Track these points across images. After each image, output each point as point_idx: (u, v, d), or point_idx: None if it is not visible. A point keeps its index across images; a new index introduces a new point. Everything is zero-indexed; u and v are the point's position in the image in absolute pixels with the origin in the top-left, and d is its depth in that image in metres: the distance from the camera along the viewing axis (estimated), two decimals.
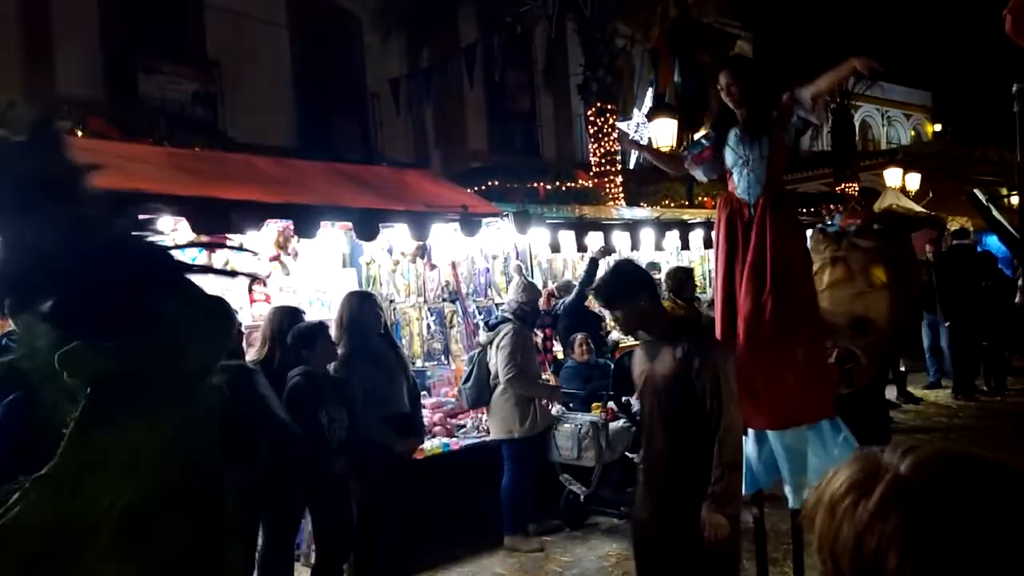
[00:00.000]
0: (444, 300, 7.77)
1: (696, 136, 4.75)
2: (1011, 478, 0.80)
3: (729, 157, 4.29)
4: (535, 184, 11.86)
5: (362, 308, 4.99)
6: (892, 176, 16.46)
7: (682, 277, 7.05)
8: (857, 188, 18.46)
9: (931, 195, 16.11)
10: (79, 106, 7.10)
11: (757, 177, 4.24)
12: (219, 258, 6.27)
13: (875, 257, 6.22)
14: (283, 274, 6.55)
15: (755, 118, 4.23)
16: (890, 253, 6.41)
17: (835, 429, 4.23)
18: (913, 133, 28.20)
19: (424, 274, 7.61)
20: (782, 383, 4.05)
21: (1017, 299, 9.90)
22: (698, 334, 3.48)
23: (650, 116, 13.30)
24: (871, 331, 5.99)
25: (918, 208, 14.34)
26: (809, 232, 6.72)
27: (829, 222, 6.59)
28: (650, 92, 14.29)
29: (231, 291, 6.41)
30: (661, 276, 9.25)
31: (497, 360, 5.84)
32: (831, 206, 7.27)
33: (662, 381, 3.35)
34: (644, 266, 9.23)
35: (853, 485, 0.83)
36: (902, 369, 9.90)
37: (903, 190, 15.95)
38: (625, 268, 3.70)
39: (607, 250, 7.89)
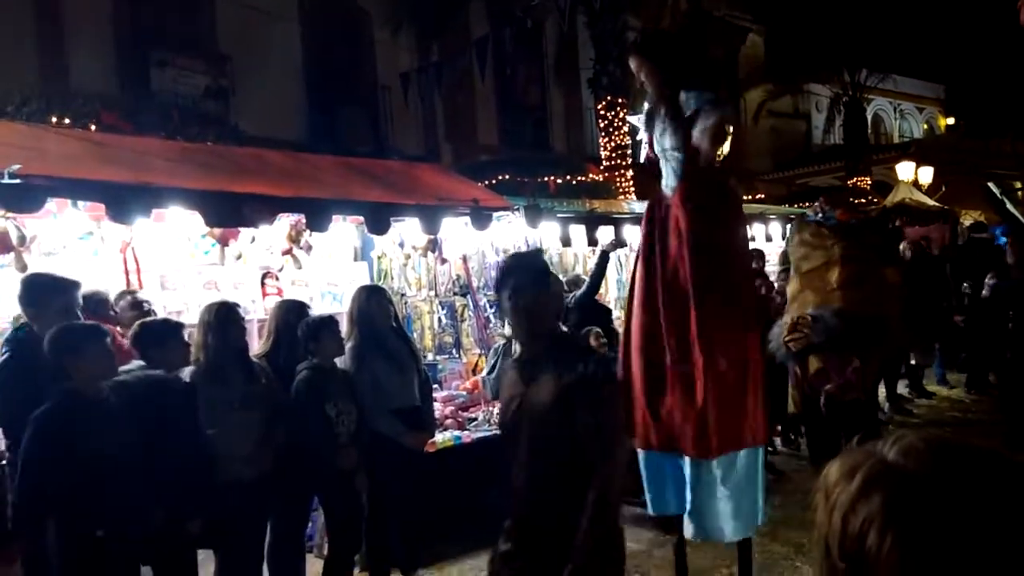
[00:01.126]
0: (455, 294, 7.79)
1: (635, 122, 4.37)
2: (993, 459, 0.81)
3: (656, 148, 4.03)
4: (545, 178, 11.86)
5: (370, 302, 5.00)
6: (905, 170, 16.36)
7: None
8: (869, 182, 18.37)
9: (944, 189, 16.01)
10: (93, 100, 7.14)
11: (674, 169, 3.92)
12: (232, 251, 6.32)
13: (886, 255, 6.12)
14: (295, 268, 6.58)
15: (670, 106, 3.88)
16: (896, 251, 6.37)
17: (751, 460, 3.83)
18: (926, 126, 28.01)
19: (435, 268, 7.62)
20: (705, 403, 3.63)
21: None
22: (590, 360, 2.70)
23: None
24: (888, 333, 5.84)
25: (930, 202, 14.26)
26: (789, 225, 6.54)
27: (820, 214, 6.41)
28: None
29: (245, 285, 6.46)
30: None
31: None
32: (822, 198, 6.86)
33: (538, 414, 2.65)
34: None
35: (843, 473, 0.86)
36: (913, 362, 9.84)
37: (916, 184, 15.85)
38: (542, 259, 3.11)
39: (618, 243, 7.87)
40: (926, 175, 16.68)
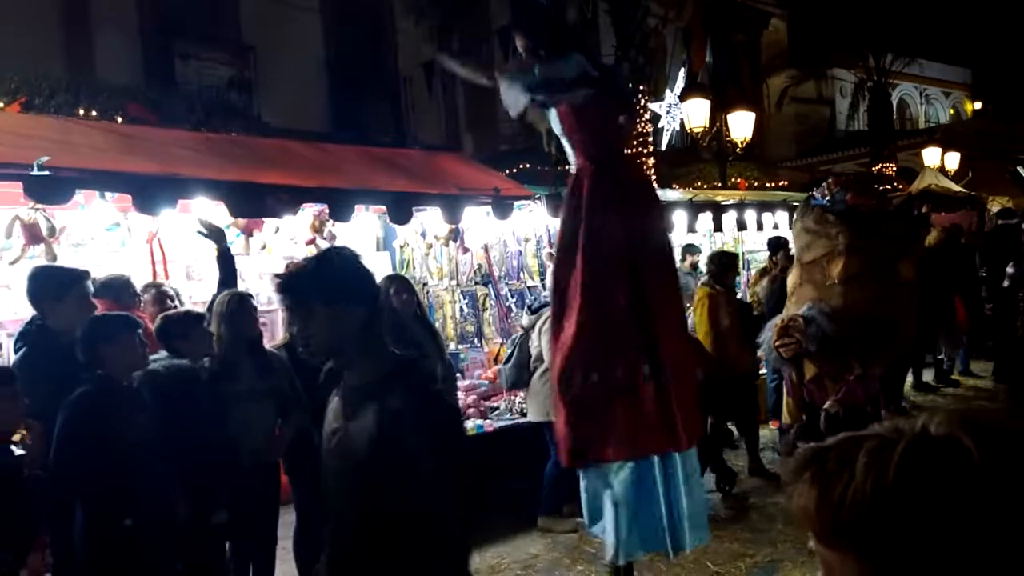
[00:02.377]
0: (477, 283, 7.81)
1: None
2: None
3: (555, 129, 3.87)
4: (566, 167, 11.81)
5: (388, 291, 5.02)
6: (931, 155, 16.16)
7: (726, 262, 6.78)
8: (894, 168, 18.16)
9: (971, 175, 15.80)
10: (118, 92, 7.23)
11: (564, 150, 3.82)
12: (256, 242, 6.37)
13: (905, 249, 5.39)
14: None
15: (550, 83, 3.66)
16: (917, 245, 5.77)
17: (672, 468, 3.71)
18: (952, 111, 27.60)
19: (457, 257, 7.65)
20: (616, 403, 3.57)
21: None
22: (419, 390, 2.15)
23: (683, 96, 13.17)
24: (897, 337, 5.24)
25: (957, 188, 14.08)
26: (797, 207, 5.98)
27: (827, 198, 5.78)
28: (683, 72, 14.13)
29: (269, 275, 6.52)
30: (701, 259, 9.23)
31: (541, 344, 5.85)
32: (831, 179, 6.26)
33: (358, 453, 2.11)
34: (681, 248, 9.24)
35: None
36: (940, 356, 9.75)
37: (942, 170, 15.65)
38: (350, 259, 2.23)
39: None
40: (952, 161, 16.46)
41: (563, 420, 3.67)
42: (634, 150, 13.16)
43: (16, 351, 3.93)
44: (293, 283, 2.16)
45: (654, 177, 13.01)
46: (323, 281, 2.12)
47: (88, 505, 3.44)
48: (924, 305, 7.25)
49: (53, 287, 3.90)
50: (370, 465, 2.06)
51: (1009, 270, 8.23)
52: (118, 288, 4.61)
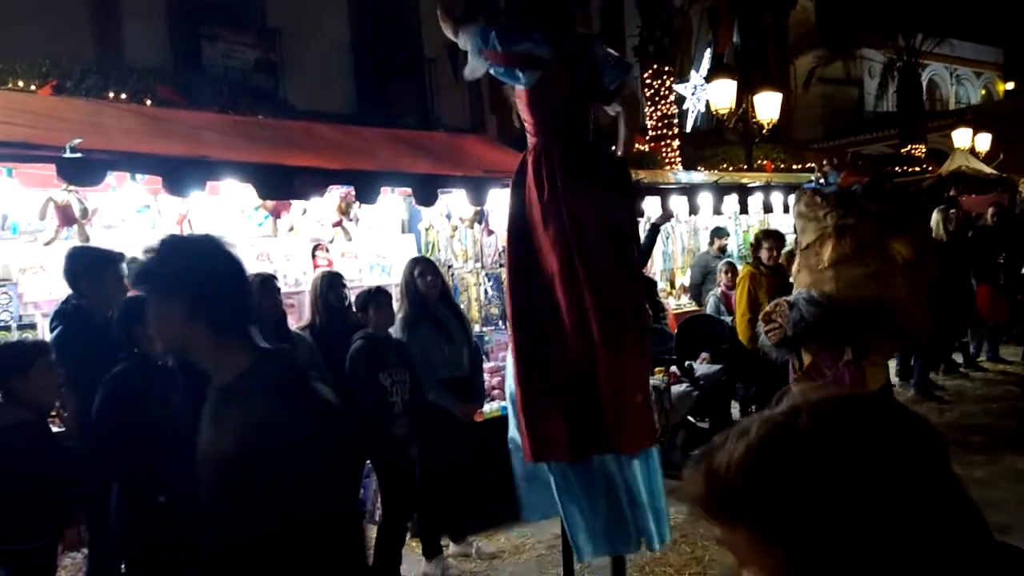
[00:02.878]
0: (501, 265, 7.82)
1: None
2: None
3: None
4: (835, 159, 11.75)
5: (413, 272, 5.05)
6: (961, 137, 15.91)
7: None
8: (924, 150, 17.91)
9: (1002, 156, 15.54)
10: (147, 75, 7.29)
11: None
12: (284, 223, 6.43)
13: (893, 227, 5.13)
14: (345, 239, 6.67)
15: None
16: (910, 222, 5.22)
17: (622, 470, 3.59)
18: (984, 92, 27.13)
19: (481, 239, 7.66)
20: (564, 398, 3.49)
21: None
22: (284, 390, 1.91)
23: (708, 78, 13.06)
24: (894, 324, 5.02)
25: (988, 170, 13.85)
26: (794, 193, 5.72)
27: (821, 180, 5.70)
28: (708, 53, 14.00)
29: (296, 257, 6.57)
30: (728, 242, 9.19)
31: None
32: (824, 162, 6.05)
33: (225, 462, 1.90)
34: (709, 231, 9.18)
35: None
36: (966, 340, 9.64)
37: (973, 151, 15.41)
38: (189, 246, 2.08)
39: (668, 215, 7.83)
40: (983, 142, 16.20)
41: (523, 419, 3.57)
42: (658, 132, 13.10)
43: (52, 330, 4.00)
44: (139, 275, 2.01)
45: (679, 159, 12.96)
46: (151, 272, 1.95)
47: (124, 482, 3.50)
48: (943, 290, 7.12)
49: (89, 267, 3.97)
50: (237, 475, 1.86)
51: None
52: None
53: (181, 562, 3.62)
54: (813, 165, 14.60)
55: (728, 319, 7.03)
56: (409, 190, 6.26)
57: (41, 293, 5.47)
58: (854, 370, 5.05)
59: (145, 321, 3.52)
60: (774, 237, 6.72)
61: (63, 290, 5.29)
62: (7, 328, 5.34)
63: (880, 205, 5.12)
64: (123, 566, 3.80)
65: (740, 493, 0.81)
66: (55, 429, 3.53)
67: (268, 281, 4.47)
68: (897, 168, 15.48)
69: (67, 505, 3.47)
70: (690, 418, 6.05)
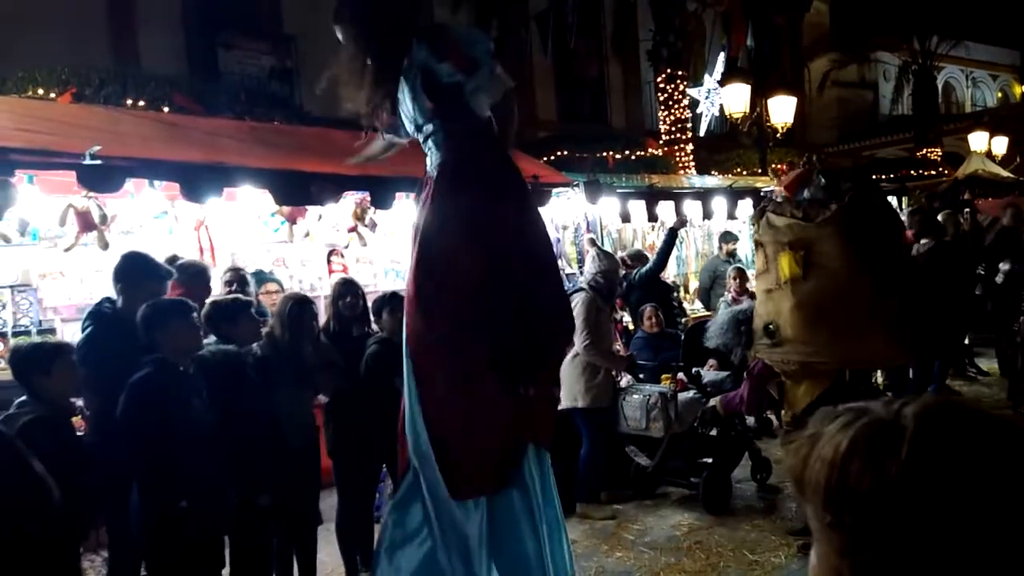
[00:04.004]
0: None
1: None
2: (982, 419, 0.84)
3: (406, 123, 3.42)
4: (604, 153, 11.78)
5: None
6: (977, 140, 15.80)
7: None
8: (940, 153, 17.81)
9: (1019, 160, 15.43)
10: (164, 83, 7.36)
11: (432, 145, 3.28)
12: (300, 229, 6.47)
13: (787, 240, 4.73)
14: (360, 245, 6.71)
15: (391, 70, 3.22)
16: (808, 233, 4.70)
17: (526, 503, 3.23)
18: (1000, 95, 26.92)
19: None
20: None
21: None
22: None
23: (722, 82, 13.04)
24: (781, 341, 4.80)
25: (1005, 173, 13.76)
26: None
27: (771, 190, 5.67)
28: (722, 57, 13.98)
29: (311, 262, 6.62)
30: (738, 247, 9.18)
31: None
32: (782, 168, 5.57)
33: None
34: (718, 236, 9.18)
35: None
36: (967, 342, 9.52)
37: (989, 154, 15.31)
38: None
39: (683, 220, 7.85)
40: (1000, 145, 16.08)
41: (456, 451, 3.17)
42: (672, 136, 13.08)
43: (83, 329, 4.01)
44: None
45: (693, 163, 12.94)
46: None
47: (145, 484, 3.54)
48: (949, 293, 7.10)
49: (136, 273, 3.98)
50: None
51: (1003, 267, 7.76)
52: (191, 274, 4.66)
53: (200, 563, 3.67)
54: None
55: None
56: None
57: (60, 298, 5.54)
58: (749, 390, 5.12)
59: (165, 327, 3.59)
60: None
61: (82, 295, 5.36)
62: (27, 332, 5.41)
63: (781, 217, 4.79)
64: (143, 567, 3.84)
65: (837, 484, 0.82)
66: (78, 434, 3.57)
67: (307, 307, 4.46)
68: (912, 172, 15.40)
69: (87, 504, 3.51)
70: (697, 426, 6.03)
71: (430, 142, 3.22)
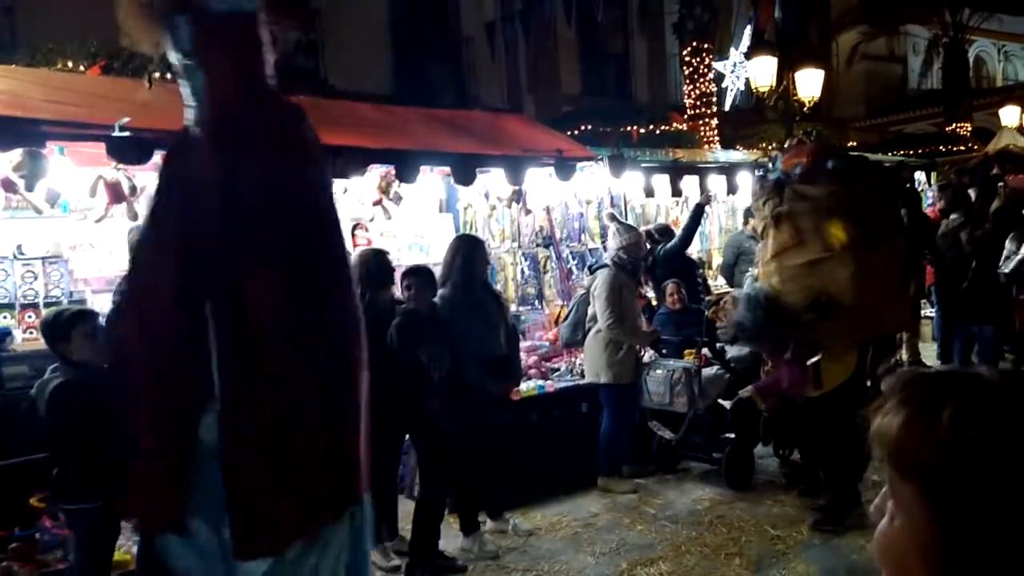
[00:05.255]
0: (538, 245, 7.84)
1: None
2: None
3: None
4: (628, 127, 11.70)
5: (474, 253, 5.07)
6: (1009, 115, 15.51)
7: None
8: (970, 128, 17.51)
9: None
10: None
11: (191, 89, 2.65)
12: None
13: (829, 209, 4.65)
14: (385, 218, 6.72)
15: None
16: (852, 201, 4.71)
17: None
18: None
19: (519, 219, 7.68)
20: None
21: None
22: None
23: (748, 55, 12.87)
24: (836, 312, 4.58)
25: None
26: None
27: (770, 165, 5.29)
28: (748, 29, 13.78)
29: None
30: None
31: (596, 306, 5.91)
32: (774, 144, 5.43)
33: None
34: (744, 211, 9.11)
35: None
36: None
37: (1020, 129, 15.02)
38: None
39: (710, 196, 7.81)
40: None
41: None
42: (696, 111, 12.94)
43: (114, 301, 4.04)
44: None
45: (717, 138, 12.80)
46: None
47: None
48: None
49: None
50: None
51: (1009, 244, 7.34)
52: None
53: None
54: (855, 144, 14.38)
55: None
56: (448, 169, 6.29)
57: (91, 270, 5.60)
58: (793, 370, 4.79)
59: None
60: None
61: (112, 267, 5.42)
62: (58, 303, 5.49)
63: (816, 187, 4.70)
64: None
65: (942, 472, 0.81)
66: None
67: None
68: (942, 147, 15.17)
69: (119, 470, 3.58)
70: (721, 401, 6.03)
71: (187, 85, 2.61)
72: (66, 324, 3.72)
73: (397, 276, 5.01)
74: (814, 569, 4.50)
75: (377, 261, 4.82)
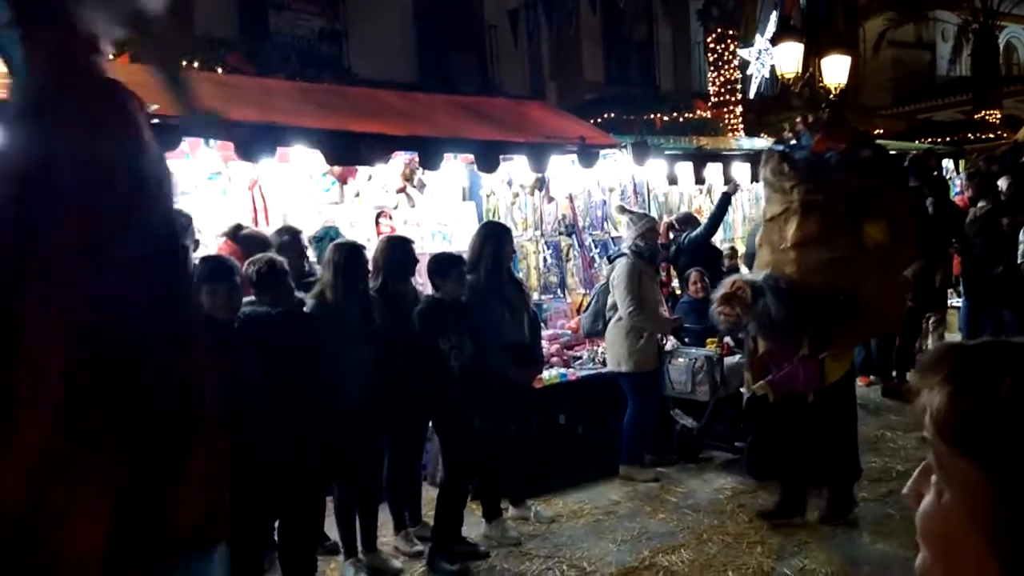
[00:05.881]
0: (561, 233, 7.84)
1: None
2: None
3: None
4: (651, 115, 11.64)
5: (502, 240, 5.06)
6: None
7: None
8: (999, 116, 17.24)
9: None
10: (217, 44, 7.43)
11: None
12: (350, 189, 6.54)
13: (869, 206, 4.40)
14: (409, 206, 6.76)
15: None
16: (887, 199, 4.47)
17: None
18: None
19: (541, 207, 7.68)
20: None
21: None
22: None
23: (774, 41, 12.74)
24: (861, 316, 4.37)
25: None
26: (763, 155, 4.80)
27: (793, 142, 4.89)
28: (774, 15, 13.63)
29: (360, 224, 6.69)
30: None
31: (616, 295, 5.91)
32: (799, 119, 4.95)
33: None
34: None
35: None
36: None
37: None
38: None
39: (737, 186, 7.77)
40: None
41: None
42: (721, 98, 12.84)
43: None
44: None
45: (742, 125, 12.70)
46: None
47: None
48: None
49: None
50: None
51: None
52: (253, 245, 4.68)
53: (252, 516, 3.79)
54: (881, 131, 14.21)
55: None
56: (471, 156, 6.31)
57: None
58: (809, 366, 4.57)
59: (209, 286, 3.67)
60: None
61: None
62: None
63: (857, 179, 4.40)
64: None
65: (999, 444, 0.80)
66: None
67: (361, 253, 4.50)
68: (970, 135, 14.95)
69: None
70: (742, 390, 6.01)
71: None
72: None
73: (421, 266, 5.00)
74: (835, 558, 4.49)
75: (401, 249, 4.83)
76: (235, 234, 5.02)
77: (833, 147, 4.57)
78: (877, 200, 4.47)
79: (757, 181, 8.46)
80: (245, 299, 4.01)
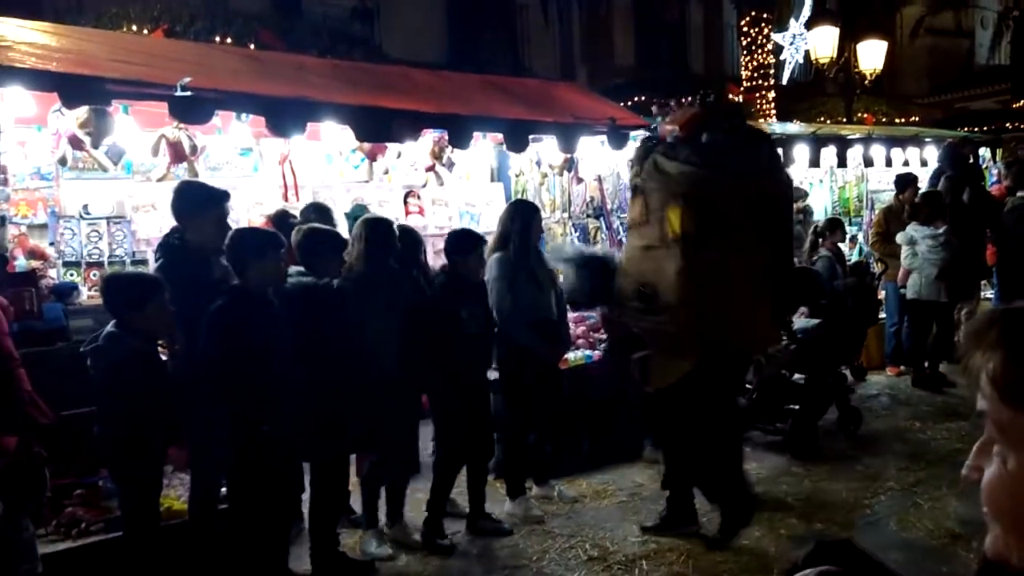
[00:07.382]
0: (588, 215, 7.80)
1: None
2: None
3: None
4: (683, 99, 11.52)
5: (531, 219, 5.04)
6: None
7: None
8: None
9: None
10: (250, 19, 7.47)
11: None
12: (379, 166, 6.55)
13: (676, 192, 3.98)
14: (438, 184, 6.75)
15: None
16: (709, 189, 3.99)
17: None
18: None
19: (570, 188, 7.64)
20: None
21: None
22: None
23: (809, 24, 12.55)
24: (660, 309, 4.06)
25: None
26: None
27: (653, 125, 4.57)
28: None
29: (389, 203, 6.70)
30: (812, 203, 8.94)
31: None
32: (687, 100, 4.57)
33: None
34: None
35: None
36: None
37: None
38: None
39: None
40: None
41: None
42: (753, 83, 12.68)
43: (156, 260, 4.06)
44: None
45: (774, 111, 12.55)
46: None
47: (227, 411, 3.64)
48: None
49: (196, 203, 3.96)
50: None
51: None
52: (287, 228, 4.61)
53: (280, 486, 3.83)
54: (917, 119, 13.97)
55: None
56: (500, 135, 6.28)
57: (153, 230, 5.73)
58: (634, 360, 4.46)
59: (256, 252, 3.69)
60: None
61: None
62: (122, 263, 5.65)
63: (678, 161, 4.00)
64: (224, 485, 4.03)
65: None
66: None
67: (391, 229, 4.56)
68: (1008, 124, 14.66)
69: (173, 431, 3.65)
70: (785, 372, 6.00)
71: None
72: (142, 293, 3.53)
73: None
74: (869, 544, 4.44)
75: (408, 233, 4.82)
76: (280, 220, 5.00)
77: (674, 128, 4.24)
78: (695, 189, 3.99)
79: (788, 167, 8.38)
80: (291, 268, 4.04)
